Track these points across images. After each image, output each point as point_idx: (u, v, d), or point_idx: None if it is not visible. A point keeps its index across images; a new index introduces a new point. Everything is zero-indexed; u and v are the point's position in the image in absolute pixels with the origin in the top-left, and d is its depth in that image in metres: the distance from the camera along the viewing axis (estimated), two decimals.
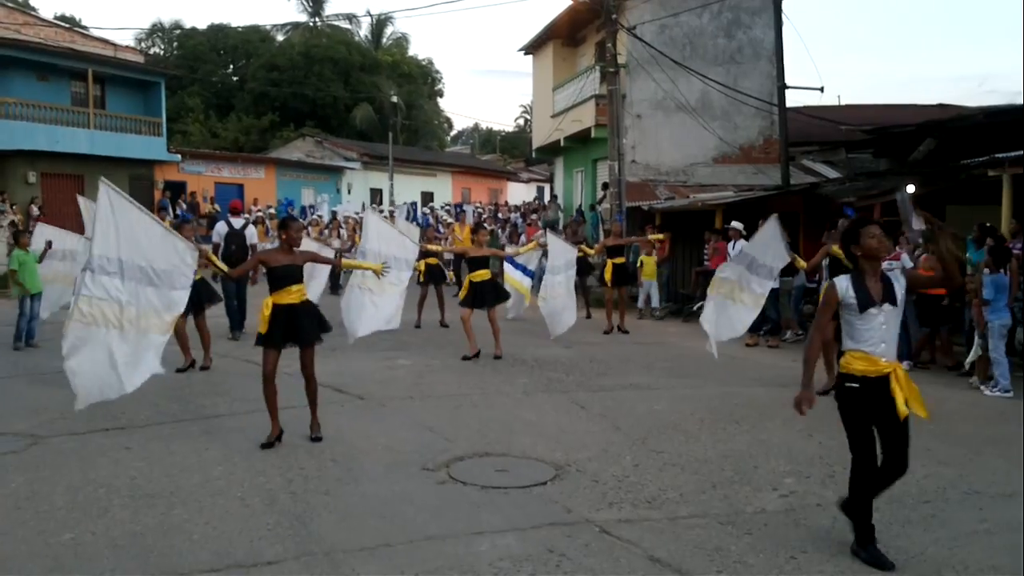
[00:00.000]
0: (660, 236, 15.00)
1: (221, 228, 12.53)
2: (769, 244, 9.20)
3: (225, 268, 6.92)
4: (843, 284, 4.46)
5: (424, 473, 5.95)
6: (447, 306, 13.95)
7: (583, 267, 15.15)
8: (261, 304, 6.66)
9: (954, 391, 9.08)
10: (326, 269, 12.63)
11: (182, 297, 6.30)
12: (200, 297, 9.33)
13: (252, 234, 12.93)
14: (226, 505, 5.23)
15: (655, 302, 15.78)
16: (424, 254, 13.57)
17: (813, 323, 4.77)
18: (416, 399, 8.36)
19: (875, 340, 4.37)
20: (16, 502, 5.26)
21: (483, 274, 10.75)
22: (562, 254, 12.20)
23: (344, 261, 8.42)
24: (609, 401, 8.33)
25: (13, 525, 4.89)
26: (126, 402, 7.69)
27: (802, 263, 9.60)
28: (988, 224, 10.44)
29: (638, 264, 15.76)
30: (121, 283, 5.89)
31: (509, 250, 14.71)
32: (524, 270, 12.88)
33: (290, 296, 6.55)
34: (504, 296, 11.44)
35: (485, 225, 16.62)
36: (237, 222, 12.74)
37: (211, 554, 4.49)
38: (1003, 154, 10.66)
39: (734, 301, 9.10)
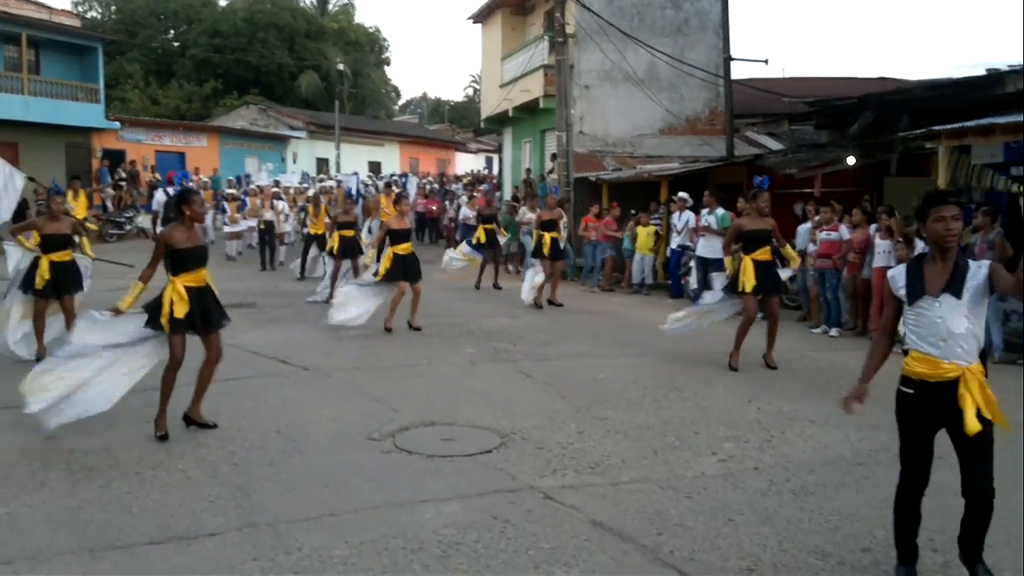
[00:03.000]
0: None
1: (160, 197, 13.20)
2: None
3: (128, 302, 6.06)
4: (895, 273, 3.91)
5: (370, 443, 5.95)
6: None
7: (492, 240, 15.26)
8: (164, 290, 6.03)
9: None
10: None
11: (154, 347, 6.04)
12: (67, 279, 8.45)
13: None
14: (167, 478, 5.18)
15: (649, 279, 15.31)
16: (342, 225, 13.26)
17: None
18: (362, 370, 8.34)
19: (931, 337, 3.68)
20: None
21: (407, 247, 10.46)
22: None
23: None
24: (555, 370, 8.40)
25: None
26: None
27: (794, 255, 9.44)
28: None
29: (632, 237, 15.37)
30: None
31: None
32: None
33: (199, 279, 6.10)
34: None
35: (403, 194, 16.35)
36: (174, 191, 13.33)
37: (151, 527, 4.44)
38: (940, 126, 10.90)
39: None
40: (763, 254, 8.60)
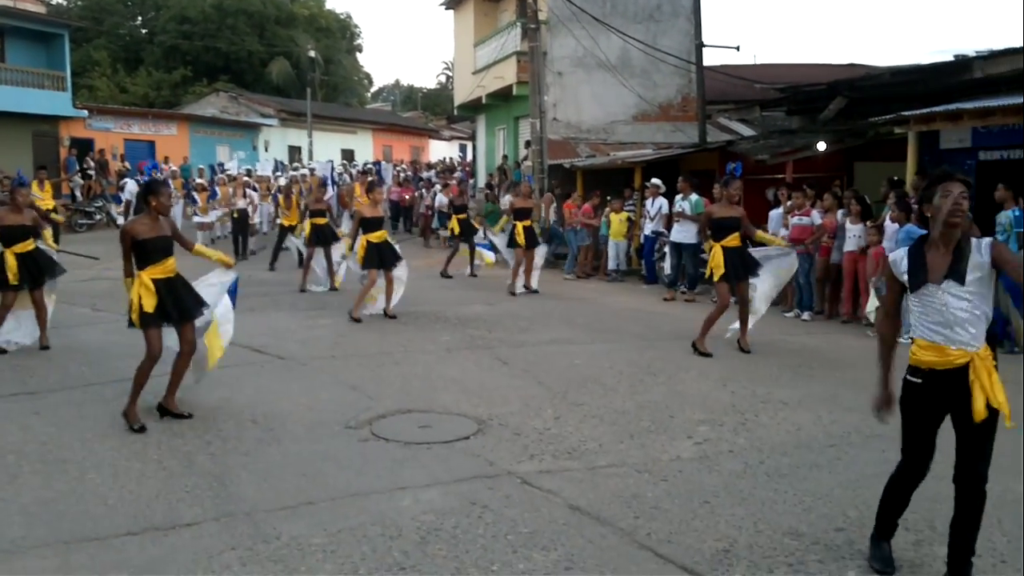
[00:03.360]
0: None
1: (132, 186, 13.38)
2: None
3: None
4: (897, 257, 3.78)
5: (347, 431, 5.95)
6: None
7: (468, 229, 15.24)
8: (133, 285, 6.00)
9: (858, 340, 9.45)
10: None
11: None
12: (39, 269, 8.35)
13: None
14: (142, 468, 5.14)
15: (623, 266, 15.24)
16: (314, 213, 13.15)
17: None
18: (338, 358, 8.31)
19: (936, 325, 3.59)
20: None
21: (381, 235, 10.40)
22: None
23: (197, 247, 6.72)
24: (531, 356, 8.42)
25: None
26: (35, 366, 7.51)
27: (773, 239, 9.55)
28: (896, 178, 10.84)
29: (606, 223, 15.30)
30: None
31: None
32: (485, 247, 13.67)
33: (166, 269, 6.02)
34: (398, 257, 10.72)
35: (375, 181, 16.34)
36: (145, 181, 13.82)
37: (127, 518, 4.42)
38: (909, 112, 11.02)
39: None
40: (732, 240, 8.66)
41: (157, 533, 4.24)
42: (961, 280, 3.54)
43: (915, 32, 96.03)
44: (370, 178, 20.26)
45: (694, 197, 12.96)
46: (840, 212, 10.93)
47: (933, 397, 3.64)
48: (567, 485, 4.93)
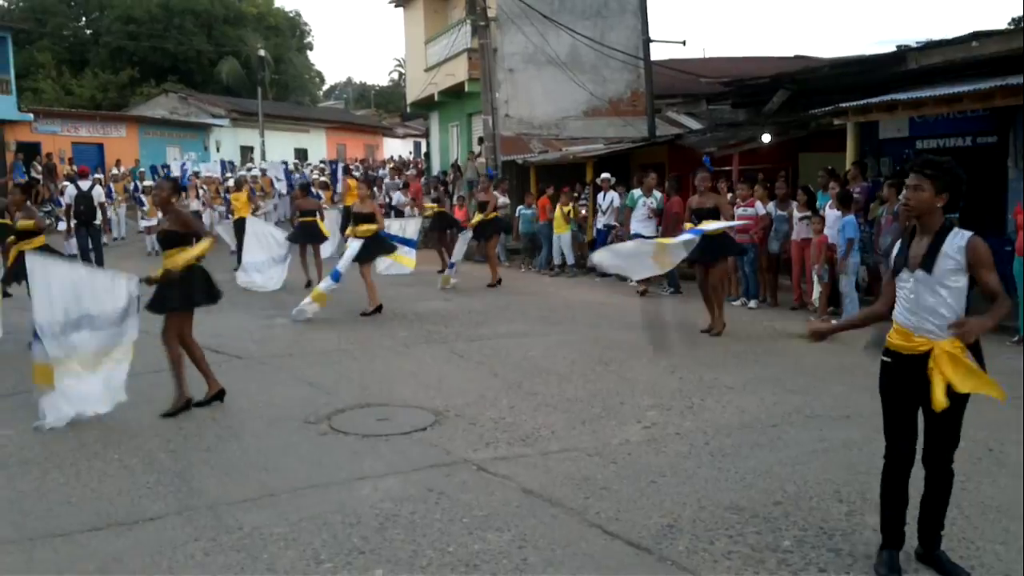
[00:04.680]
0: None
1: (71, 191, 14.56)
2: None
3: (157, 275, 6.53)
4: (891, 240, 3.91)
5: (305, 426, 6.08)
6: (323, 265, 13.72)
7: (446, 221, 15.41)
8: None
9: (800, 325, 9.74)
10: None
11: (133, 324, 6.32)
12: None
13: (99, 194, 15.23)
14: (104, 467, 5.23)
15: (569, 259, 15.28)
16: (303, 211, 13.62)
17: None
18: (296, 356, 8.42)
19: (906, 311, 3.69)
20: None
21: (367, 229, 10.74)
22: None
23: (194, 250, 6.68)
24: (487, 350, 8.61)
25: None
26: None
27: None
28: (831, 168, 11.20)
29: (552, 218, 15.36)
30: (75, 335, 6.08)
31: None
32: (405, 241, 12.47)
33: (174, 261, 6.37)
34: (390, 248, 11.27)
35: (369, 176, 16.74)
36: (85, 184, 14.77)
37: (91, 514, 4.52)
38: (846, 103, 11.38)
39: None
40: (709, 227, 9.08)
41: (121, 528, 4.35)
42: (929, 270, 3.61)
43: (861, 23, 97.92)
44: (357, 174, 20.60)
45: (658, 194, 13.08)
46: (772, 203, 11.28)
47: (901, 379, 3.71)
48: (521, 470, 5.13)
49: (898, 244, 3.81)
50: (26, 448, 5.57)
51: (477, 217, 13.88)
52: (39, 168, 26.22)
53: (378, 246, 10.96)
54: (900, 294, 3.75)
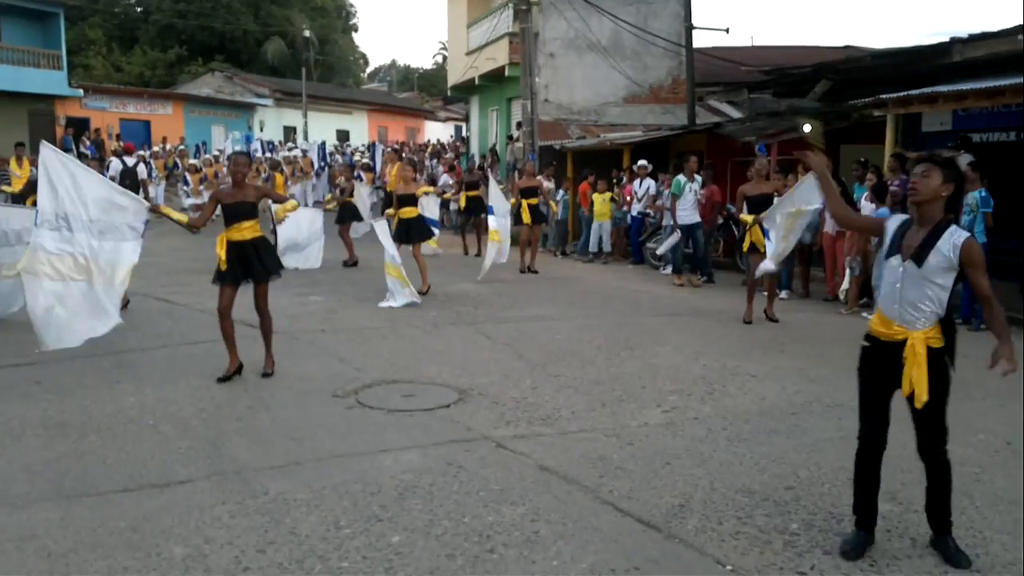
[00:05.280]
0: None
1: (116, 165, 14.88)
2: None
3: (185, 220, 7.01)
4: (891, 224, 3.87)
5: (334, 400, 6.25)
6: (355, 245, 13.94)
7: (479, 206, 15.30)
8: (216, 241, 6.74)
9: (830, 317, 9.77)
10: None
11: (134, 248, 6.43)
12: None
13: (142, 171, 15.67)
14: (139, 432, 5.45)
15: (606, 246, 15.38)
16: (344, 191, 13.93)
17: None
18: (327, 332, 8.61)
19: (889, 298, 3.76)
20: None
21: (412, 211, 10.94)
22: (502, 201, 12.48)
23: (278, 210, 7.43)
24: (513, 332, 8.72)
25: None
26: (33, 338, 7.76)
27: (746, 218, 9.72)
28: (864, 159, 11.11)
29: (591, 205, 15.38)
30: (71, 236, 6.09)
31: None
32: (431, 221, 12.38)
33: (242, 232, 6.60)
34: (429, 234, 11.41)
35: (413, 159, 16.87)
36: (130, 160, 15.46)
37: (125, 476, 4.72)
38: (887, 95, 11.27)
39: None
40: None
41: (152, 490, 4.55)
42: (919, 263, 3.64)
43: (912, 13, 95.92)
44: (404, 155, 20.74)
45: (698, 178, 12.96)
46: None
47: (878, 365, 3.80)
48: (539, 448, 5.24)
49: (894, 229, 3.81)
50: (66, 412, 5.81)
51: (524, 204, 13.41)
52: (87, 143, 26.82)
53: (422, 229, 11.15)
54: (886, 280, 3.79)
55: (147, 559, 3.76)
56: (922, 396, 3.63)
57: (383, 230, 10.15)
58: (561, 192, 16.73)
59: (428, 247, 12.19)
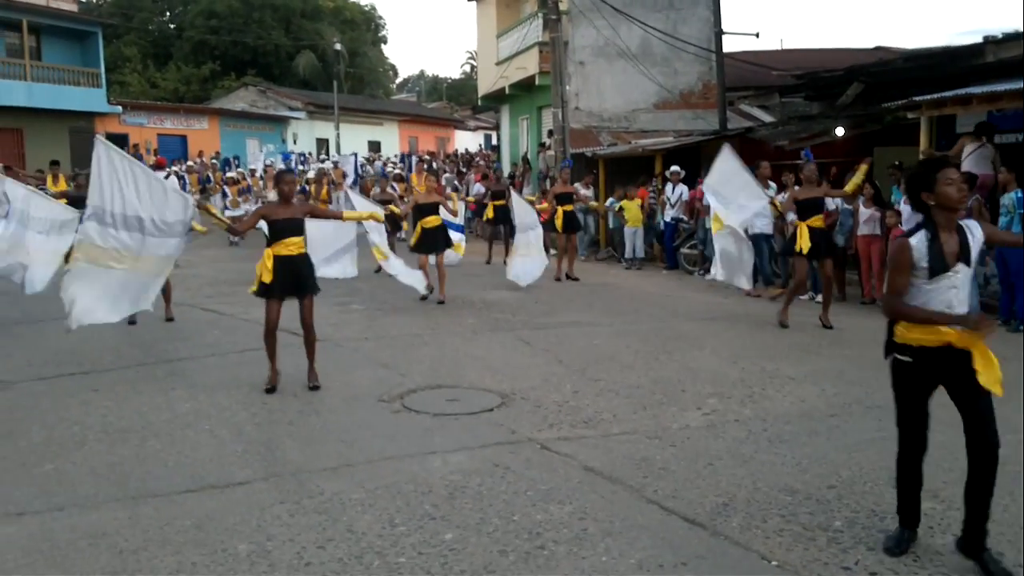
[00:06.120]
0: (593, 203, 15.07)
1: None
2: (730, 179, 9.60)
3: (227, 221, 7.23)
4: (918, 244, 3.75)
5: (380, 404, 6.42)
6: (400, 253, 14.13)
7: (505, 216, 15.33)
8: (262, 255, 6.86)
9: (871, 320, 9.76)
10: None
11: (178, 244, 6.72)
12: None
13: (173, 182, 15.11)
14: (196, 437, 5.65)
15: (639, 251, 15.47)
16: (380, 202, 14.04)
17: (888, 289, 3.91)
18: (370, 340, 8.80)
19: (939, 306, 3.72)
20: None
21: (434, 220, 11.12)
22: (526, 214, 12.50)
23: (346, 213, 8.30)
24: (552, 337, 8.86)
25: None
26: (89, 348, 8.06)
27: (777, 206, 9.95)
28: (899, 163, 11.11)
29: (618, 210, 15.56)
30: (115, 232, 6.39)
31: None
32: (456, 227, 12.78)
33: (289, 248, 6.75)
34: (451, 242, 11.64)
35: (435, 168, 16.98)
36: (160, 175, 15.64)
37: (186, 478, 4.92)
38: (920, 97, 11.26)
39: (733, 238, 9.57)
40: (816, 221, 9.24)
41: (214, 490, 4.74)
42: (969, 262, 3.73)
43: (944, 11, 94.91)
44: (426, 166, 20.89)
45: (774, 184, 12.61)
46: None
47: (924, 373, 3.78)
48: (582, 450, 5.37)
49: (924, 247, 3.72)
50: (125, 418, 6.03)
51: (559, 211, 13.37)
52: None
53: (444, 238, 11.31)
54: (934, 292, 3.72)
55: (214, 555, 3.94)
56: (998, 389, 3.65)
57: (373, 227, 10.36)
58: (611, 200, 16.68)
59: (452, 255, 12.43)
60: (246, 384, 6.86)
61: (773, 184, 12.45)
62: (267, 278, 6.70)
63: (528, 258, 12.22)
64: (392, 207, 13.77)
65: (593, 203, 15.58)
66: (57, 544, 4.06)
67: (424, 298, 10.90)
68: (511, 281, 12.07)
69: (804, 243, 9.14)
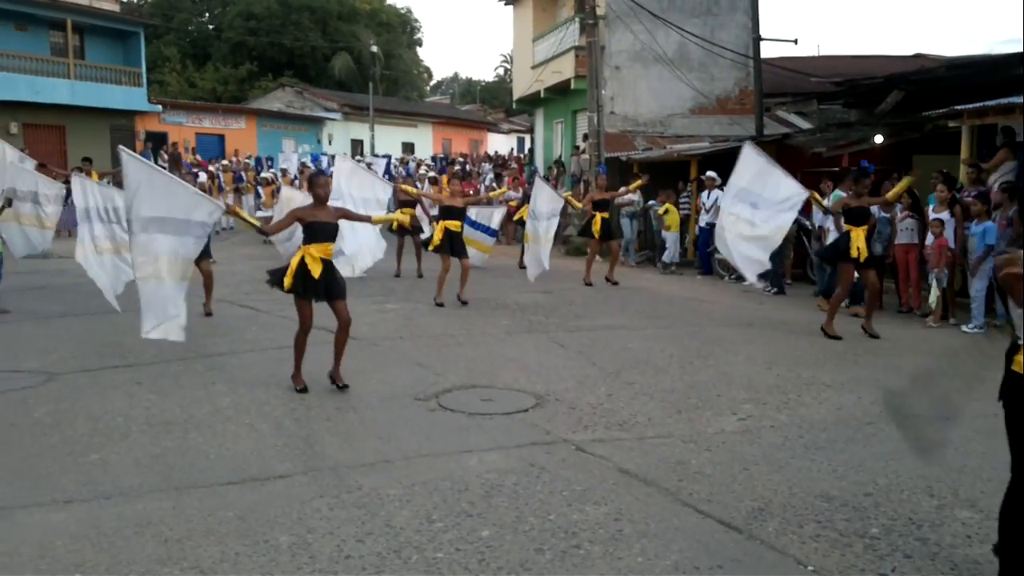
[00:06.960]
0: (639, 182, 14.85)
1: (203, 179, 15.38)
2: (764, 177, 9.45)
3: (256, 223, 7.34)
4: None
5: (416, 403, 6.49)
6: (424, 256, 14.17)
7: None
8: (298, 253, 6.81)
9: (907, 329, 9.72)
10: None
11: (198, 245, 6.77)
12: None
13: (203, 179, 16.94)
14: (237, 430, 5.76)
15: (674, 256, 15.50)
16: (403, 203, 14.04)
17: None
18: (406, 339, 8.88)
19: None
20: (42, 429, 5.76)
21: (458, 224, 11.10)
22: (548, 202, 12.33)
23: (375, 216, 8.19)
24: (586, 340, 8.88)
25: (42, 448, 5.39)
26: (131, 342, 8.20)
27: (819, 200, 9.88)
28: (944, 170, 10.99)
29: (662, 213, 15.57)
30: (149, 237, 6.49)
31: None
32: (485, 229, 12.98)
33: (323, 250, 6.76)
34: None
35: (468, 171, 17.01)
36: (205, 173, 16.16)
37: (228, 470, 5.02)
38: (962, 106, 11.14)
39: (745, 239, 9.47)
40: (865, 229, 9.21)
41: (255, 483, 4.83)
42: None
43: (985, 20, 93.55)
44: (455, 168, 20.98)
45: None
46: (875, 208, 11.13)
47: None
48: (618, 452, 5.40)
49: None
50: (168, 411, 6.15)
51: (597, 217, 13.22)
52: (165, 157, 27.80)
53: (462, 241, 11.29)
54: None
55: (256, 546, 4.02)
56: None
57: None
58: (652, 203, 16.61)
59: (478, 257, 12.47)
60: (285, 380, 6.95)
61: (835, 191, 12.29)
62: (289, 282, 6.67)
63: (537, 247, 12.00)
64: (407, 211, 13.80)
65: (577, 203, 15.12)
66: (104, 532, 4.16)
67: (440, 304, 10.83)
68: (541, 282, 12.06)
69: (862, 249, 9.06)
